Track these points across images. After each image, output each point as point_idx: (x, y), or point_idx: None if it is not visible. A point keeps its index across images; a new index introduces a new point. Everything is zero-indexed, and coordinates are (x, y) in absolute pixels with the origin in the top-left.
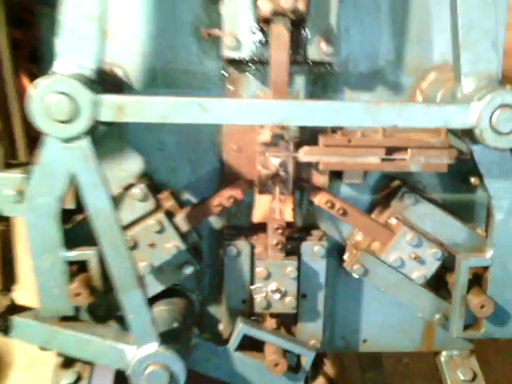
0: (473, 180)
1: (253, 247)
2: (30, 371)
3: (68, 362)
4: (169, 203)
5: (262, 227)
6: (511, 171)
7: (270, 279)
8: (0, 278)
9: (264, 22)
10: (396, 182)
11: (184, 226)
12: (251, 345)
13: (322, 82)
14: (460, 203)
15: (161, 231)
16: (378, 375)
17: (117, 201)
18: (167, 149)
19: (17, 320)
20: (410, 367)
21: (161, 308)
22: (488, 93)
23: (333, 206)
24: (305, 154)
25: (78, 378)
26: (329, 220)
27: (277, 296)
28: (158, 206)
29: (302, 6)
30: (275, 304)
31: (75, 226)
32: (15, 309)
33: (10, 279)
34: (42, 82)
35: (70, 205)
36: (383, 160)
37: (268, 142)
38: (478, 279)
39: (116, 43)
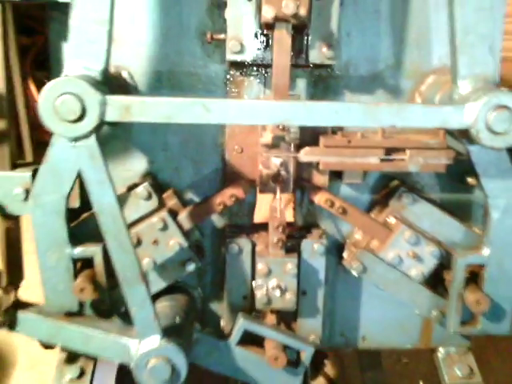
0: (470, 180)
1: (254, 245)
2: (33, 371)
3: (72, 358)
4: (172, 202)
5: (263, 226)
6: (507, 171)
7: (271, 276)
8: (7, 275)
9: (267, 27)
10: (395, 182)
11: (187, 224)
12: (252, 341)
13: (323, 84)
14: (457, 203)
15: (164, 229)
16: (378, 375)
17: (122, 199)
18: (171, 149)
19: (22, 315)
20: (409, 367)
21: (163, 304)
22: (484, 94)
23: (332, 205)
24: (305, 155)
25: (82, 373)
26: (329, 219)
27: (277, 292)
28: (161, 205)
29: (303, 12)
30: (275, 300)
31: (80, 224)
32: (20, 305)
33: (17, 276)
34: (51, 82)
35: (75, 203)
36: (382, 160)
37: (269, 143)
38: (474, 277)
39: (123, 47)
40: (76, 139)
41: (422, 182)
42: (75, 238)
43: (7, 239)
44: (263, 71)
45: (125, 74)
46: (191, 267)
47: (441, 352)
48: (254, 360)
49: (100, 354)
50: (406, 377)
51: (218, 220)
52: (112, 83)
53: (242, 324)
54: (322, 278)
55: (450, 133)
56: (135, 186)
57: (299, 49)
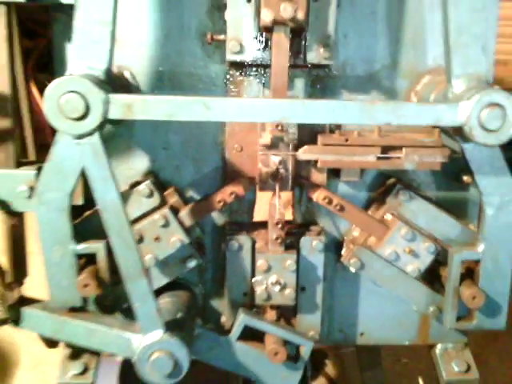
0: (465, 178)
1: (254, 242)
2: (36, 371)
3: (75, 354)
4: (173, 199)
5: (262, 223)
6: (501, 168)
7: (270, 272)
8: (12, 272)
9: (266, 31)
10: (391, 180)
11: (188, 221)
12: (252, 336)
13: (321, 84)
14: (453, 200)
15: (166, 225)
16: (377, 374)
17: (124, 197)
18: (172, 148)
19: (26, 311)
20: (408, 367)
21: (165, 300)
22: (477, 92)
23: (330, 202)
24: (304, 153)
25: (85, 369)
26: (327, 216)
27: (277, 288)
28: (163, 202)
29: (301, 16)
30: (275, 296)
31: (83, 222)
32: (24, 301)
33: (21, 272)
34: (56, 81)
35: (79, 201)
36: (379, 158)
37: (268, 144)
38: (470, 273)
39: (125, 47)
40: (80, 137)
41: (419, 180)
42: (78, 235)
43: (12, 236)
44: (262, 71)
45: (127, 74)
46: (192, 264)
47: (438, 348)
48: (255, 355)
49: (103, 348)
50: (406, 376)
51: (218, 217)
52: (115, 83)
53: (242, 319)
54: (320, 274)
55: (444, 131)
56: (137, 183)
57: (297, 49)
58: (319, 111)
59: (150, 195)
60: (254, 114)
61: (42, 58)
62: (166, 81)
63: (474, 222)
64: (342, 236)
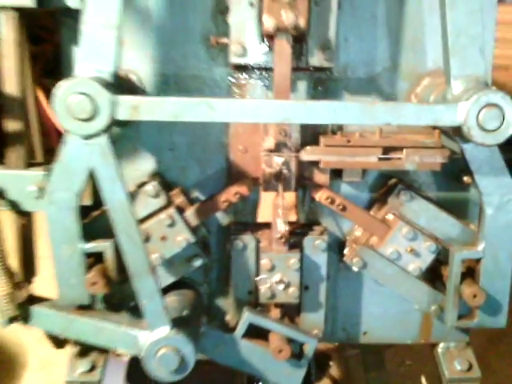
0: (465, 179)
1: (258, 241)
2: (44, 372)
3: (83, 352)
4: (179, 199)
5: (266, 223)
6: (500, 168)
7: (274, 271)
8: (21, 270)
9: (268, 37)
10: (393, 180)
11: (193, 221)
12: (257, 335)
13: (323, 86)
14: (454, 201)
15: (172, 225)
16: (381, 375)
17: (131, 197)
18: (178, 149)
19: (35, 309)
20: (412, 369)
21: (172, 298)
22: (475, 93)
23: (333, 202)
24: (307, 154)
25: (93, 367)
26: (330, 216)
27: (281, 286)
28: (169, 202)
29: (302, 23)
30: (279, 294)
31: (92, 221)
32: (34, 299)
33: (30, 271)
34: (64, 83)
35: (88, 201)
36: (380, 159)
37: (272, 148)
38: (471, 272)
39: (131, 51)
40: (88, 137)
41: (420, 181)
42: (87, 234)
43: (21, 236)
44: (265, 74)
45: (133, 77)
46: (198, 263)
47: (440, 347)
48: (259, 352)
49: (111, 345)
50: (410, 378)
51: (223, 218)
52: (122, 86)
53: (247, 317)
54: (323, 273)
55: (444, 132)
56: (144, 184)
57: (299, 53)
58: (321, 112)
59: (157, 195)
60: (257, 115)
61: (47, 64)
62: (171, 83)
63: (475, 222)
64: (344, 236)
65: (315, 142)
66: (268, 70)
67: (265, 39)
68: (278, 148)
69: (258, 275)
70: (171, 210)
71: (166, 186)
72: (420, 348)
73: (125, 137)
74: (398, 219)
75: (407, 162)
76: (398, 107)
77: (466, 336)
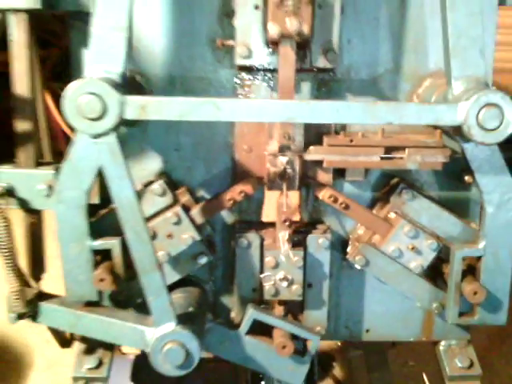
0: (467, 178)
1: (262, 239)
2: (50, 372)
3: (90, 349)
4: (185, 198)
5: (270, 222)
6: (500, 167)
7: (278, 268)
8: (31, 268)
9: (272, 43)
10: (395, 180)
11: (199, 219)
12: (261, 332)
13: (326, 87)
14: (455, 200)
15: (178, 223)
16: (384, 376)
17: (138, 196)
18: (183, 149)
19: (44, 306)
20: (415, 369)
21: (178, 295)
22: (475, 93)
23: (336, 201)
24: (310, 153)
25: (100, 363)
26: (333, 215)
27: (284, 284)
28: (175, 201)
29: (306, 30)
30: (283, 291)
31: (99, 219)
32: (42, 296)
33: (39, 269)
34: (75, 83)
35: (95, 200)
36: (382, 158)
37: (276, 152)
38: (471, 270)
39: (139, 53)
40: (97, 136)
41: (422, 180)
42: (95, 232)
43: (30, 233)
44: (270, 75)
45: (141, 79)
46: (203, 260)
47: (442, 345)
48: (263, 348)
49: (118, 341)
50: (413, 379)
51: (228, 216)
52: (130, 86)
53: (251, 314)
54: (326, 271)
55: (445, 132)
56: (150, 183)
57: (303, 54)
58: (324, 111)
59: (163, 194)
60: (261, 114)
61: (55, 68)
62: (177, 85)
63: (476, 221)
64: (347, 234)
65: (319, 142)
66: (273, 71)
67: (269, 45)
68: (282, 151)
69: (262, 273)
70: (177, 208)
71: (172, 185)
72: (423, 349)
73: (132, 137)
74: (399, 217)
75: (409, 162)
76: (400, 107)
77: (467, 334)
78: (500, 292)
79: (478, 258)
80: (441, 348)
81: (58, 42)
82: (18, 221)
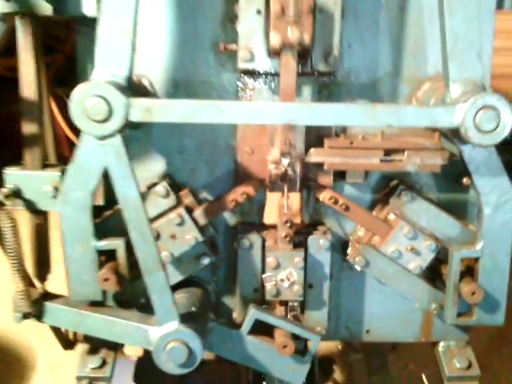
0: (465, 180)
1: (264, 240)
2: (53, 374)
3: (93, 349)
4: (188, 199)
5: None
6: (497, 169)
7: (280, 269)
8: (36, 268)
9: (274, 52)
10: (394, 182)
11: (202, 220)
12: (262, 332)
13: (327, 91)
14: (454, 202)
15: (181, 224)
16: (385, 379)
17: (142, 197)
18: (187, 152)
19: (49, 306)
20: (415, 373)
21: (181, 295)
22: (472, 95)
23: (336, 202)
24: (311, 155)
25: (103, 363)
26: (333, 217)
27: (285, 284)
28: (178, 202)
29: (307, 40)
30: (284, 292)
31: (104, 220)
32: (48, 296)
33: (44, 269)
34: (81, 86)
35: (100, 201)
36: (382, 161)
37: (277, 159)
38: (470, 271)
39: (144, 57)
40: (103, 138)
41: (421, 182)
42: (99, 233)
43: (36, 234)
44: (272, 79)
45: (145, 82)
46: (206, 261)
47: (441, 346)
48: (264, 348)
49: (122, 340)
50: (413, 382)
51: (230, 218)
52: (135, 90)
53: (253, 314)
54: (327, 271)
55: (444, 135)
56: (154, 185)
57: (305, 60)
58: (324, 113)
59: (167, 196)
60: (263, 116)
61: (58, 73)
62: (181, 88)
63: (474, 223)
64: (347, 236)
65: (319, 145)
66: (274, 75)
67: (271, 53)
68: (283, 157)
69: (263, 273)
70: (180, 210)
71: (176, 187)
72: (423, 351)
73: (136, 140)
74: (399, 219)
75: (408, 164)
76: (399, 109)
77: (465, 335)
78: (498, 292)
79: (476, 259)
80: (440, 349)
81: (62, 47)
82: (25, 222)
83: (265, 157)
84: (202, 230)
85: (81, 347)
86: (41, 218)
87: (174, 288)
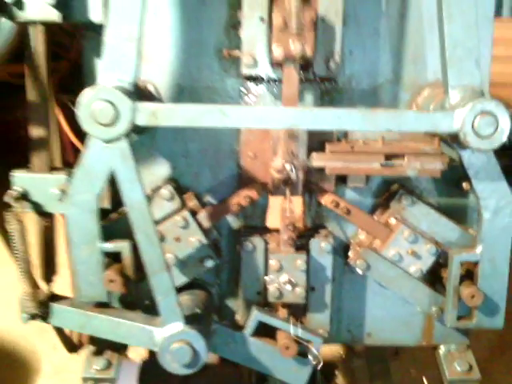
0: (465, 185)
1: (267, 243)
2: (57, 378)
3: (99, 351)
4: (192, 202)
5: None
6: (496, 174)
7: (282, 271)
8: (43, 269)
9: (277, 65)
10: (395, 186)
11: (206, 223)
12: (265, 334)
13: (329, 97)
14: (454, 206)
15: (185, 227)
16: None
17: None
18: (191, 156)
19: (55, 307)
20: (417, 379)
21: (185, 297)
22: (470, 101)
23: (337, 206)
24: (313, 160)
25: (108, 365)
26: (335, 221)
27: (288, 287)
28: (182, 206)
29: (309, 52)
30: (287, 294)
31: (109, 223)
32: (54, 297)
33: (51, 271)
34: (89, 91)
35: (106, 204)
36: (383, 165)
37: (280, 168)
38: (469, 274)
39: (149, 63)
40: (110, 141)
41: (421, 187)
42: (105, 235)
43: (43, 236)
44: (275, 84)
45: (151, 88)
46: (209, 264)
47: (442, 349)
48: (267, 350)
49: (127, 341)
50: None
51: (233, 222)
52: (140, 95)
53: (255, 315)
54: (329, 274)
55: (443, 140)
56: (159, 188)
57: (307, 67)
58: (326, 118)
59: (171, 199)
60: (266, 121)
61: (63, 80)
62: (186, 94)
63: (474, 227)
64: (349, 240)
65: (321, 149)
66: (277, 80)
67: (274, 65)
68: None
69: (266, 276)
70: (185, 212)
71: (180, 190)
72: (425, 358)
73: (141, 144)
74: (399, 222)
75: (409, 169)
76: (399, 114)
77: (466, 339)
78: (497, 296)
79: (476, 263)
80: (440, 352)
81: (67, 54)
82: (32, 224)
83: (267, 161)
84: (205, 232)
85: (86, 350)
86: (47, 220)
87: (179, 290)
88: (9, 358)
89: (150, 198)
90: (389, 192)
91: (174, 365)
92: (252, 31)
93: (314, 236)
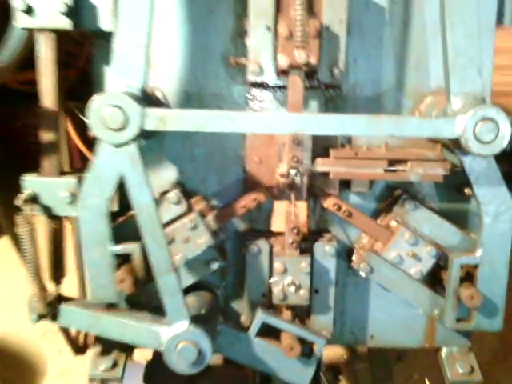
0: (466, 191)
1: (271, 246)
2: (62, 380)
3: (106, 350)
4: (200, 205)
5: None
6: (497, 179)
7: (287, 274)
8: (51, 271)
9: (282, 73)
10: (398, 191)
11: (214, 225)
12: (269, 335)
13: (333, 104)
14: (455, 211)
15: (194, 228)
16: None
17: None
18: (198, 161)
19: (64, 308)
20: (419, 383)
21: (191, 298)
22: (472, 107)
23: (339, 208)
24: (317, 165)
25: (115, 364)
26: (338, 225)
27: (292, 289)
28: (189, 209)
29: (314, 61)
30: (291, 296)
31: (118, 226)
32: (62, 299)
33: (59, 272)
34: (99, 97)
35: (114, 207)
36: (386, 171)
37: (285, 173)
38: (469, 277)
39: (157, 70)
40: (119, 146)
41: (424, 192)
42: (114, 237)
43: (52, 238)
44: (280, 91)
45: (159, 94)
46: (215, 265)
47: (444, 351)
48: (271, 350)
49: (134, 341)
50: None
51: (239, 225)
52: (149, 101)
53: (260, 317)
54: (332, 277)
55: (446, 146)
56: (166, 192)
57: (312, 75)
58: (330, 124)
59: (178, 202)
60: (272, 126)
61: (71, 88)
62: (193, 100)
63: (475, 232)
64: (352, 243)
65: (326, 154)
66: (282, 87)
67: (279, 74)
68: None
69: (271, 278)
70: (194, 214)
71: (187, 195)
72: (428, 362)
73: (149, 149)
74: (400, 225)
75: (411, 174)
76: (402, 120)
77: (467, 341)
78: (496, 299)
79: (476, 266)
80: (442, 354)
81: (75, 62)
82: (41, 226)
83: (273, 166)
84: (213, 234)
85: (93, 350)
86: (57, 222)
87: (185, 292)
88: (15, 360)
89: (157, 202)
90: (392, 197)
91: (180, 364)
92: (258, 40)
93: (318, 239)
